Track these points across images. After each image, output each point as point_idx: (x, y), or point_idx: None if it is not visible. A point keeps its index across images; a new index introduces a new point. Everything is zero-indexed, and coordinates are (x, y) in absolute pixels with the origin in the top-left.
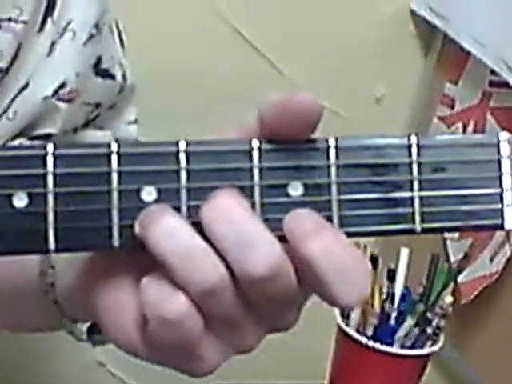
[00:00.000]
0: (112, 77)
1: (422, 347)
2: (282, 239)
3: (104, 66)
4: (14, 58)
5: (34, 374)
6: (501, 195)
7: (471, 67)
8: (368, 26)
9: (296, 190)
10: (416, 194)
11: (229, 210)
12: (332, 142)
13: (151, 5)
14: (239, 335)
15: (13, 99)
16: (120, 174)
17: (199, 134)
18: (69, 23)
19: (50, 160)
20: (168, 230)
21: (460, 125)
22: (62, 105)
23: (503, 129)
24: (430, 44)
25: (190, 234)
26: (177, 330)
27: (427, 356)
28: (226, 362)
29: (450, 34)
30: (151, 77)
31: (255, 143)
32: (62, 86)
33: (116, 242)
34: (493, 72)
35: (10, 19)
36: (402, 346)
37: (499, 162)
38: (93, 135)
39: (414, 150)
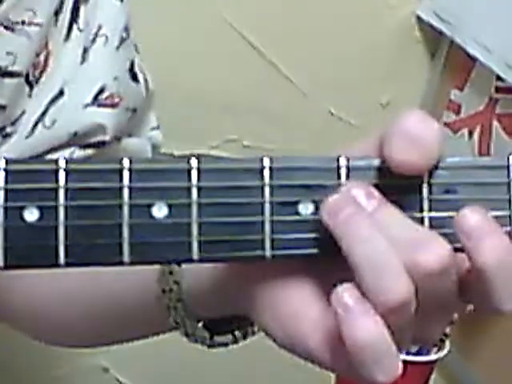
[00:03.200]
0: (138, 81)
1: (427, 353)
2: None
3: (135, 69)
4: (44, 68)
5: (37, 379)
6: (510, 217)
7: (477, 73)
8: (374, 32)
9: (306, 208)
10: (426, 214)
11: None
12: (343, 162)
13: (157, 15)
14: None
15: (47, 107)
16: (131, 189)
17: (208, 142)
18: (99, 29)
19: (61, 174)
20: (364, 236)
21: (466, 131)
22: (107, 110)
23: (509, 134)
24: (436, 50)
25: (385, 243)
26: (365, 352)
27: (433, 362)
28: (228, 368)
29: (456, 40)
30: (158, 86)
31: (266, 161)
32: (101, 91)
33: (126, 258)
34: (499, 78)
35: (23, 22)
36: (408, 352)
37: (509, 184)
38: (134, 143)
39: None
